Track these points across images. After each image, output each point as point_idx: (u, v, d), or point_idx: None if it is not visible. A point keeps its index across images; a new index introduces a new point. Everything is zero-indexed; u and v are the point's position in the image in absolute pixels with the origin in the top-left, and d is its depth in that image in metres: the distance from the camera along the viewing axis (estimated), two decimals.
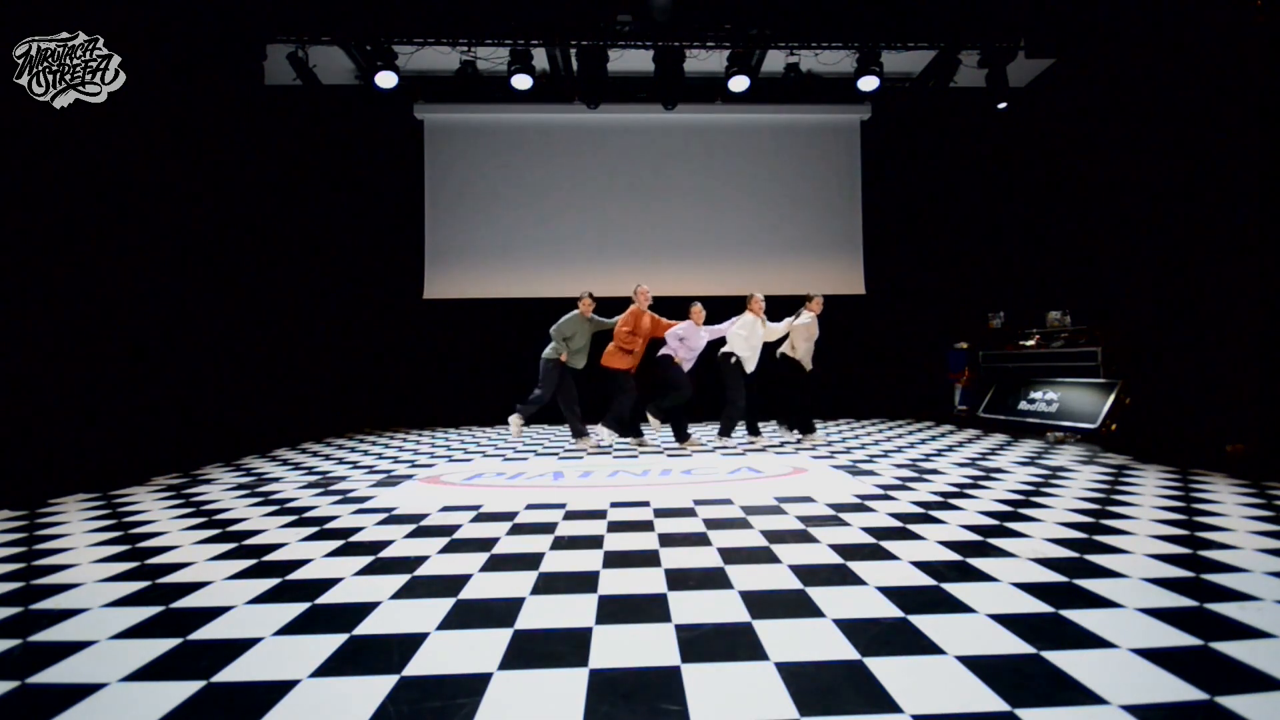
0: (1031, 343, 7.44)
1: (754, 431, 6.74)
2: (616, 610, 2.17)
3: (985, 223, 9.17)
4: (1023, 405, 7.27)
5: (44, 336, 4.36)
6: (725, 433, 6.45)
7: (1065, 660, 1.76)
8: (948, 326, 9.01)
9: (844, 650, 1.84)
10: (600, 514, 3.54)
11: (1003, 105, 7.94)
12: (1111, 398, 6.17)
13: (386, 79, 7.24)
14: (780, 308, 7.24)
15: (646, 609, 2.17)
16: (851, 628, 1.99)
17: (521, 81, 7.37)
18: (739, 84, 7.53)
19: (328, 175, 8.75)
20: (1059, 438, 6.59)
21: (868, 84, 7.48)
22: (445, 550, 2.90)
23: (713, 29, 7.30)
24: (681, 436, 6.25)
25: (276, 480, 4.82)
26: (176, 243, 5.69)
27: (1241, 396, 5.13)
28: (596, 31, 7.21)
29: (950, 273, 9.31)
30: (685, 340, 6.14)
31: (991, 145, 9.04)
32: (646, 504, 3.77)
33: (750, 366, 6.33)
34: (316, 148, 8.59)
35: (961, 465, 5.05)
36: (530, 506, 3.76)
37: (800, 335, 6.44)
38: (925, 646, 1.86)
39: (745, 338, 6.27)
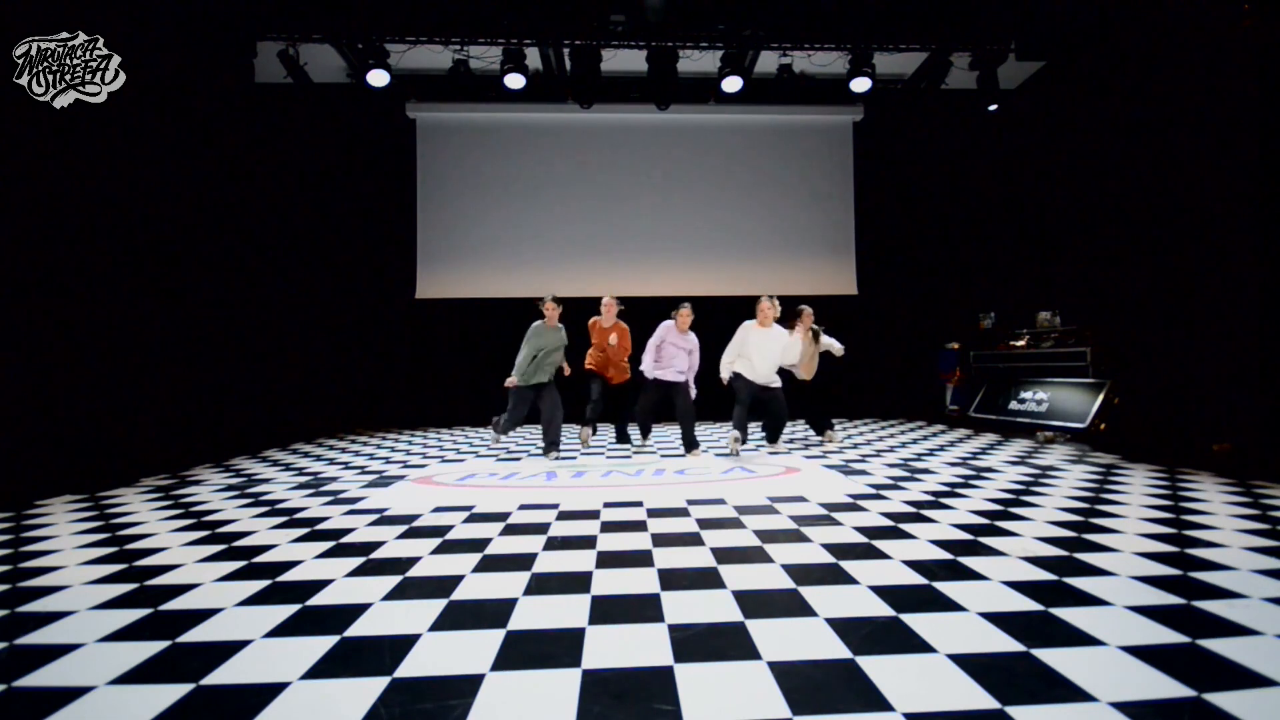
0: (1022, 343, 7.49)
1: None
2: (609, 610, 2.16)
3: (976, 224, 9.22)
4: (1013, 405, 7.32)
5: (32, 336, 4.31)
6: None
7: (1055, 658, 1.77)
8: (939, 327, 9.07)
9: (836, 649, 1.85)
10: (593, 514, 3.54)
11: (993, 107, 7.99)
12: (1100, 397, 6.22)
13: (378, 77, 7.20)
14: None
15: (639, 609, 2.17)
16: (844, 627, 2.00)
17: (514, 81, 7.36)
18: (732, 84, 7.55)
19: (319, 174, 8.69)
20: (1049, 437, 6.64)
21: (860, 85, 7.52)
22: (437, 551, 2.89)
23: (706, 29, 7.31)
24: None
25: (267, 481, 4.79)
26: (167, 242, 5.64)
27: (1228, 396, 5.18)
28: (589, 31, 7.20)
29: (941, 273, 9.37)
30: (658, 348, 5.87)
31: (982, 147, 9.09)
32: (640, 504, 3.77)
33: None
34: (307, 146, 8.53)
35: (953, 465, 5.08)
36: (523, 507, 3.75)
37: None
38: (917, 645, 1.87)
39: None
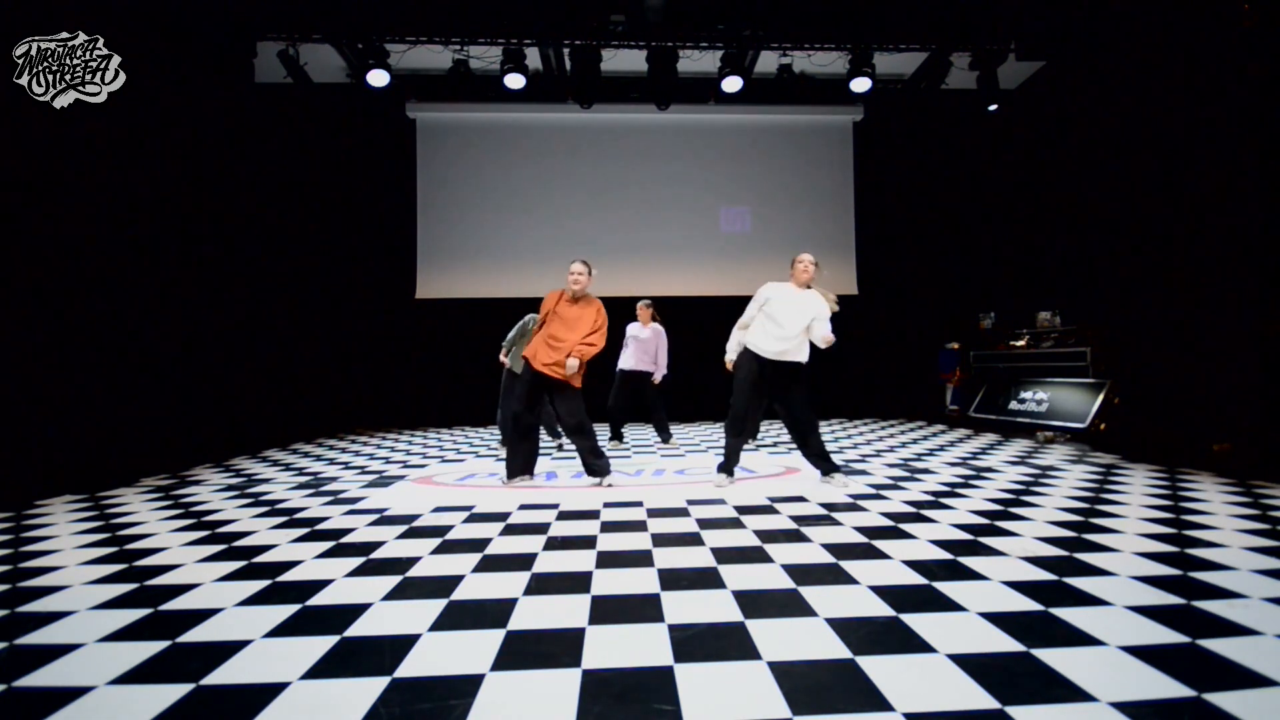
0: (1022, 343, 7.49)
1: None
2: (609, 610, 2.16)
3: (976, 224, 9.22)
4: (1013, 405, 7.31)
5: (33, 336, 4.31)
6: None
7: (1055, 658, 1.77)
8: (939, 327, 9.06)
9: (836, 649, 1.85)
10: (593, 514, 3.54)
11: (993, 107, 7.98)
12: (1100, 397, 6.22)
13: (378, 77, 7.20)
14: None
15: (639, 609, 2.17)
16: (844, 627, 2.00)
17: (514, 81, 7.36)
18: (732, 85, 7.54)
19: (319, 174, 8.70)
20: (1049, 437, 6.64)
21: (860, 85, 7.51)
22: (437, 551, 2.89)
23: (706, 29, 7.31)
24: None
25: (267, 481, 4.79)
26: (167, 242, 5.64)
27: (1228, 396, 5.18)
28: (589, 31, 7.20)
29: (941, 273, 9.37)
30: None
31: (982, 147, 9.10)
32: (640, 504, 3.77)
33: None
34: (308, 146, 8.53)
35: (953, 465, 5.08)
36: (523, 507, 3.75)
37: None
38: (917, 645, 1.87)
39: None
